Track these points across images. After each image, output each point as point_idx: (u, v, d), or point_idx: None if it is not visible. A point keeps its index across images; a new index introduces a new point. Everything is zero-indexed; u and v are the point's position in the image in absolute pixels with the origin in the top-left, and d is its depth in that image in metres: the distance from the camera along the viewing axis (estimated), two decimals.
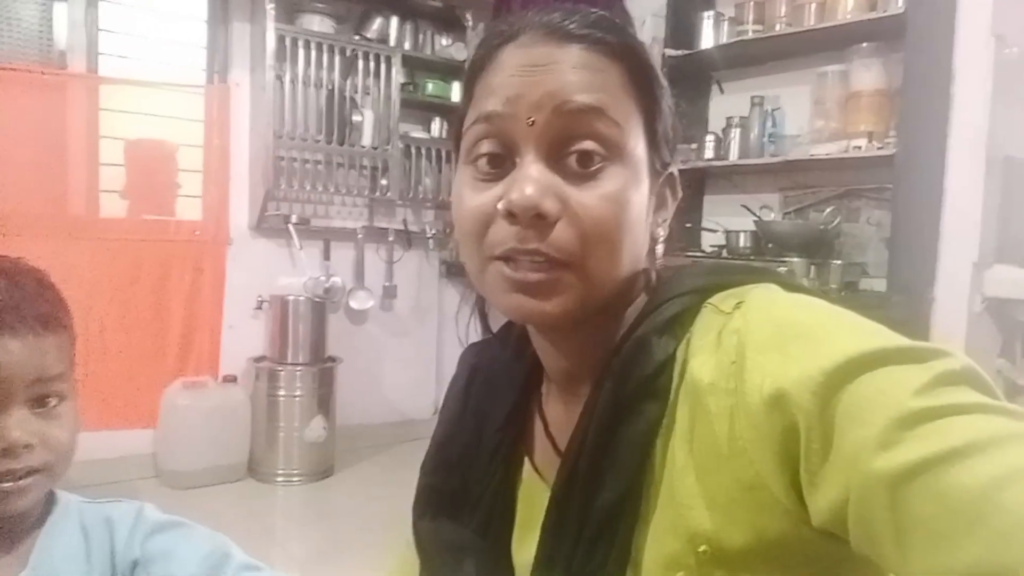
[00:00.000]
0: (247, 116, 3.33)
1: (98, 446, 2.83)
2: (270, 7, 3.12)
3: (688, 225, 3.11)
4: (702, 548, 0.52)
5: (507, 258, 0.55)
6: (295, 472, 3.19)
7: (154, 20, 3.19)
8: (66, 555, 0.69)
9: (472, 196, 0.57)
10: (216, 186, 3.28)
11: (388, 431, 3.71)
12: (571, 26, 0.57)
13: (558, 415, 0.67)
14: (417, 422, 3.74)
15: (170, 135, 3.19)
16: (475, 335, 0.79)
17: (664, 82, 0.61)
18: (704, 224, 3.20)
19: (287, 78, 3.24)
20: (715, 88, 3.30)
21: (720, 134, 3.04)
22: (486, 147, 0.57)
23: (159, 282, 3.14)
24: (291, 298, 3.27)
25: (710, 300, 0.58)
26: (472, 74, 0.61)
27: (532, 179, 0.54)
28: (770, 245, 2.78)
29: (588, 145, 0.55)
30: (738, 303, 0.55)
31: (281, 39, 3.19)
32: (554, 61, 0.55)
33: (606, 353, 0.60)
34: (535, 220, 0.54)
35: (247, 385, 3.26)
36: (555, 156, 0.55)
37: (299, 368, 3.22)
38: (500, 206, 0.54)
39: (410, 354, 3.85)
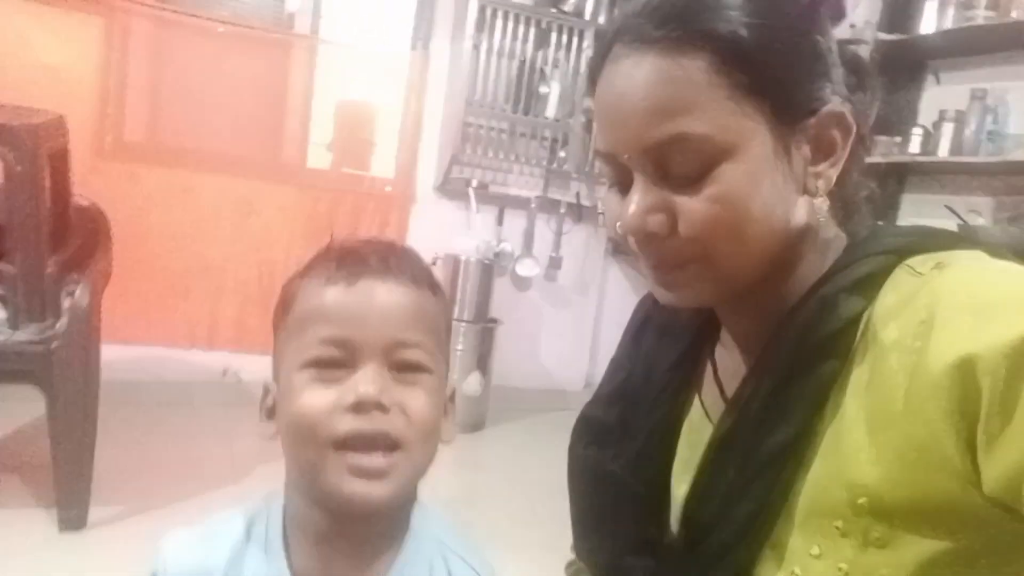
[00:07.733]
0: (443, 83, 3.51)
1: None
2: None
3: (880, 224, 2.88)
4: (861, 500, 0.52)
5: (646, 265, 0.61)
6: None
7: None
8: None
9: (608, 210, 0.63)
10: (408, 147, 3.50)
11: (540, 397, 3.80)
12: (648, 27, 0.55)
13: (730, 363, 0.68)
14: (568, 393, 3.80)
15: (373, 97, 3.45)
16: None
17: (780, 19, 0.55)
18: (899, 224, 2.96)
19: (483, 48, 3.38)
20: (930, 78, 3.02)
21: (930, 128, 2.79)
22: (609, 175, 0.63)
23: (350, 229, 3.42)
24: (463, 258, 3.42)
25: (907, 261, 0.56)
26: (591, 85, 0.62)
27: (634, 203, 0.57)
28: None
29: (688, 156, 0.55)
30: (937, 264, 0.54)
31: (483, 9, 3.33)
32: (633, 86, 0.56)
33: (783, 309, 0.60)
34: (649, 238, 0.58)
35: None
36: (661, 171, 0.57)
37: (463, 324, 3.38)
38: (619, 228, 0.59)
39: (568, 326, 3.91)
